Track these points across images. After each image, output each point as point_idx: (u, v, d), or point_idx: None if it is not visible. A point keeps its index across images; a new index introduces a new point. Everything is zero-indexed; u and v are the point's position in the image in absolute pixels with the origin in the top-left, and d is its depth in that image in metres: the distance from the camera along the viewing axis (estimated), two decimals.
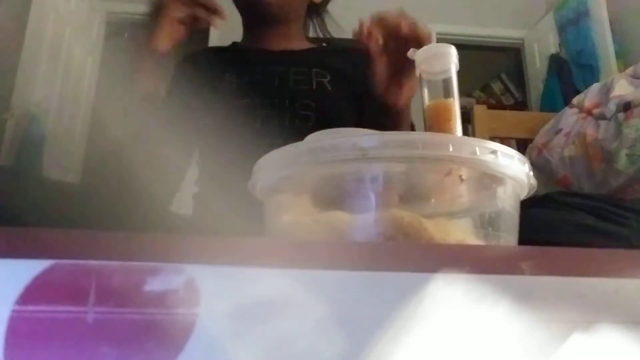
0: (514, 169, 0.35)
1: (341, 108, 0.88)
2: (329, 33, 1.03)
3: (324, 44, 1.02)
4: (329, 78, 0.89)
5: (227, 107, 0.83)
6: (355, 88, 0.91)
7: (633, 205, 0.55)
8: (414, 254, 0.25)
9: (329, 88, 0.88)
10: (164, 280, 0.21)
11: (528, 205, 0.40)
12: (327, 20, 1.04)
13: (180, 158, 0.86)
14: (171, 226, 0.55)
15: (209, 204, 0.82)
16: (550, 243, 0.28)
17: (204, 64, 0.93)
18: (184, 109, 0.82)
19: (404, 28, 0.59)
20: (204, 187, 0.88)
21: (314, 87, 0.88)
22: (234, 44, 0.99)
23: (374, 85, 0.67)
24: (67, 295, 0.20)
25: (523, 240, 0.38)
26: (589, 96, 1.18)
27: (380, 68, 0.65)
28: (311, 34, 1.04)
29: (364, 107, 0.89)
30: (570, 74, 2.78)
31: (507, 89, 3.77)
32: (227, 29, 0.98)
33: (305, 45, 0.98)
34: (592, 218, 0.52)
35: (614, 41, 2.59)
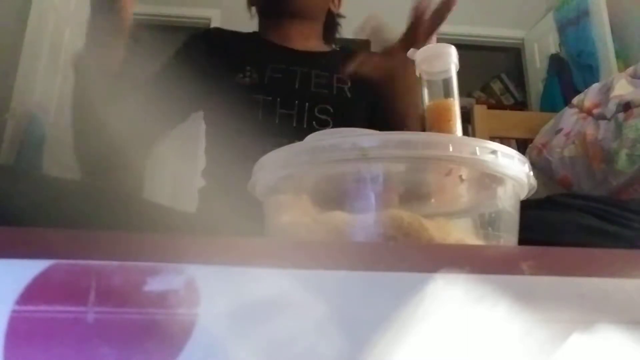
0: (514, 169, 0.35)
1: (359, 115, 0.89)
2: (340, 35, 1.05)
3: (339, 47, 1.02)
4: (349, 85, 0.90)
5: (245, 100, 0.83)
6: (374, 95, 0.92)
7: (636, 207, 0.55)
8: (414, 254, 0.25)
9: (349, 95, 0.90)
10: (164, 280, 0.21)
11: (530, 207, 0.40)
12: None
13: (168, 113, 0.85)
14: (172, 225, 0.55)
15: (215, 200, 0.82)
16: (550, 243, 0.28)
17: (219, 45, 0.93)
18: (183, 81, 0.81)
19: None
20: (210, 181, 0.87)
21: (334, 92, 0.89)
22: (255, 33, 0.98)
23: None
24: (67, 295, 0.20)
25: (524, 240, 0.38)
26: (589, 96, 1.18)
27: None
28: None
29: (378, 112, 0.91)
30: (570, 74, 2.78)
31: (507, 89, 3.77)
32: (228, 22, 0.97)
33: (323, 47, 0.99)
34: (594, 219, 0.52)
35: (614, 41, 2.59)
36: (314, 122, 0.84)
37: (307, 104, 0.85)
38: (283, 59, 0.90)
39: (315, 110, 0.85)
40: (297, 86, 0.87)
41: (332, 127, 0.84)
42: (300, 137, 0.79)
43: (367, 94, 0.91)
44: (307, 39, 0.94)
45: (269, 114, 0.82)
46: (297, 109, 0.84)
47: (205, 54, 0.90)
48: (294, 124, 0.83)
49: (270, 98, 0.84)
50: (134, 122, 0.71)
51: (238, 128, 0.79)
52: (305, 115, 0.84)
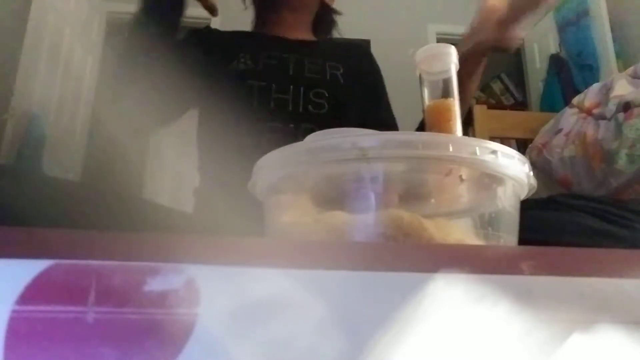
0: (514, 169, 0.35)
1: (352, 100, 0.90)
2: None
3: (329, 37, 1.03)
4: (341, 71, 0.92)
5: (240, 86, 0.84)
6: (364, 82, 0.93)
7: (635, 207, 0.55)
8: (414, 254, 0.25)
9: (342, 80, 0.90)
10: (164, 280, 0.21)
11: (531, 207, 0.40)
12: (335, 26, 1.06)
13: (168, 106, 0.85)
14: (172, 225, 0.55)
15: (211, 199, 0.82)
16: (550, 243, 0.28)
17: (215, 40, 0.95)
18: (187, 74, 0.82)
19: None
20: (206, 177, 0.88)
21: (328, 77, 0.90)
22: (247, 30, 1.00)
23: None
24: (67, 295, 0.20)
25: (524, 240, 0.38)
26: (589, 96, 1.18)
27: None
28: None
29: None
30: (570, 74, 2.78)
31: (507, 89, 3.77)
32: (227, 28, 0.98)
33: (313, 37, 1.00)
34: (595, 220, 0.52)
35: (614, 41, 2.59)
36: (309, 106, 0.84)
37: (301, 88, 0.85)
38: (276, 47, 0.91)
39: (311, 94, 0.85)
40: (291, 72, 0.88)
41: (327, 111, 0.85)
42: (296, 122, 0.80)
43: (359, 78, 0.93)
44: (297, 29, 0.96)
45: (264, 99, 0.83)
46: (292, 93, 0.85)
47: (202, 49, 0.91)
48: (290, 108, 0.83)
49: (264, 84, 0.84)
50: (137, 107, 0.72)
51: (234, 115, 0.79)
52: (300, 99, 0.84)
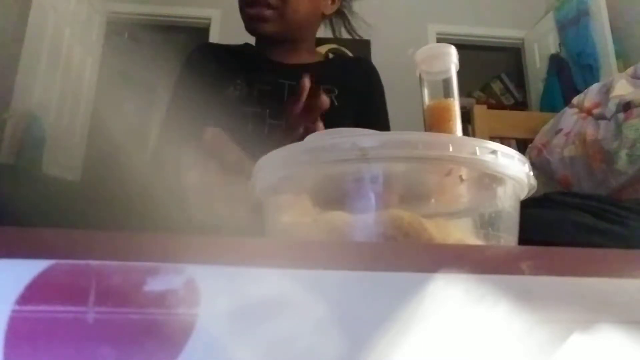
0: (514, 169, 0.35)
1: (346, 122, 0.92)
2: (355, 33, 1.05)
3: (331, 55, 1.04)
4: (336, 93, 0.93)
5: (235, 112, 0.85)
6: (360, 101, 0.94)
7: (631, 205, 0.55)
8: (414, 254, 0.25)
9: (336, 103, 0.92)
10: (164, 280, 0.21)
11: (527, 205, 0.40)
12: (353, 21, 1.06)
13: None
14: (171, 225, 0.55)
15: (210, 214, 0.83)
16: (549, 243, 0.28)
17: (214, 60, 0.96)
18: (192, 105, 0.83)
19: None
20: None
21: None
22: (247, 45, 1.01)
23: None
24: (67, 295, 0.20)
25: (523, 240, 0.38)
26: (589, 96, 1.18)
27: None
28: (333, 34, 1.06)
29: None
30: (570, 74, 2.78)
31: (507, 89, 3.77)
32: (228, 28, 0.98)
33: (314, 58, 1.02)
34: (590, 217, 0.52)
35: (614, 41, 2.59)
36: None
37: None
38: (272, 73, 0.93)
39: None
40: (285, 98, 0.90)
41: None
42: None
43: (353, 100, 0.94)
44: (298, 55, 0.97)
45: (259, 125, 0.85)
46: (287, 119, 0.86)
47: (200, 71, 0.93)
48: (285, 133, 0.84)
49: (259, 110, 0.86)
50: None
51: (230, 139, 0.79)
52: None
